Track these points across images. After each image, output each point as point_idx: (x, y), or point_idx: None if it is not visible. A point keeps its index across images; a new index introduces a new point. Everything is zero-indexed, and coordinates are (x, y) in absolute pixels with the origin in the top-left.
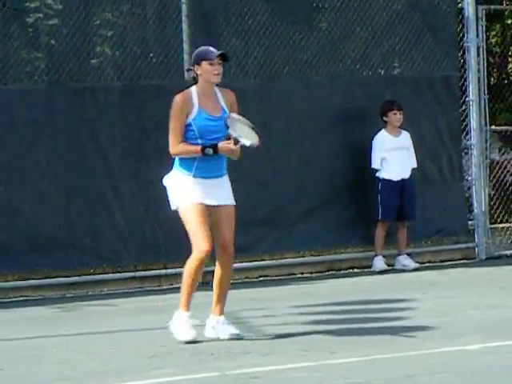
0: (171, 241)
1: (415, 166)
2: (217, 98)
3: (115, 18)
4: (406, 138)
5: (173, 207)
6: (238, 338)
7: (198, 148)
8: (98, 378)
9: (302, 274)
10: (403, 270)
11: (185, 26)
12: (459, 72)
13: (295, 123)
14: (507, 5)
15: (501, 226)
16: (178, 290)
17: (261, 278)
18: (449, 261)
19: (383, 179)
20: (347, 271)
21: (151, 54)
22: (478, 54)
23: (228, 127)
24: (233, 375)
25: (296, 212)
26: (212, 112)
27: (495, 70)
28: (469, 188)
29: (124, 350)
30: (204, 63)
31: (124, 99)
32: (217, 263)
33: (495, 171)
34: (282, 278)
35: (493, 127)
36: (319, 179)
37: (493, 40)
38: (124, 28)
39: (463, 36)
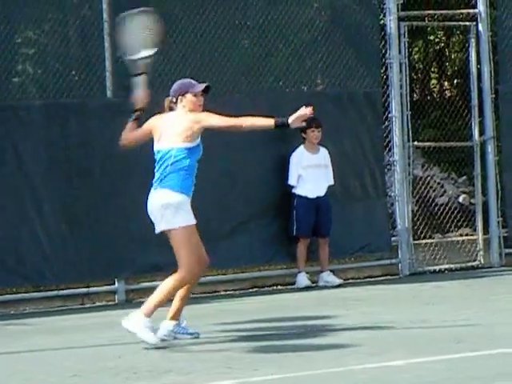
0: (94, 259)
1: (332, 183)
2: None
3: (37, 36)
4: (324, 154)
5: (160, 229)
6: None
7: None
8: None
9: (226, 291)
10: (326, 287)
11: (107, 45)
12: (382, 88)
13: (218, 140)
14: (429, 21)
15: (424, 241)
16: (100, 308)
17: None
18: (372, 277)
19: (299, 196)
20: (271, 288)
21: (73, 72)
22: (401, 71)
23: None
24: None
25: (219, 229)
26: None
27: (418, 86)
28: (392, 204)
29: (45, 369)
30: (189, 95)
31: (46, 117)
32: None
33: (418, 187)
34: (205, 295)
35: (416, 143)
36: (242, 196)
37: (415, 56)
38: (46, 46)
39: (386, 52)
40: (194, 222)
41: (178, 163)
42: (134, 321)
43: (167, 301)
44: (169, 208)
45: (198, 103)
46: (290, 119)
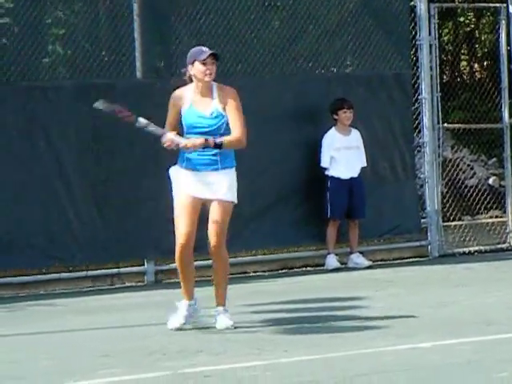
0: (123, 240)
1: (365, 164)
2: (212, 97)
3: (67, 17)
4: (356, 136)
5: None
6: (232, 328)
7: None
8: (48, 378)
9: (255, 272)
10: (356, 268)
11: (136, 25)
12: (412, 70)
13: (248, 122)
14: (459, 2)
15: (453, 223)
16: (129, 288)
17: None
18: (402, 259)
19: (332, 177)
20: (300, 270)
21: (103, 53)
22: (431, 52)
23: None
24: (185, 374)
25: (248, 211)
26: (203, 109)
27: (448, 68)
28: (421, 186)
29: (75, 349)
30: (197, 63)
31: (76, 97)
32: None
33: (448, 169)
34: (235, 276)
35: (445, 125)
36: (272, 178)
37: (445, 38)
38: (75, 26)
39: (416, 34)
40: (184, 191)
41: None
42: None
43: (185, 273)
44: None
45: (206, 72)
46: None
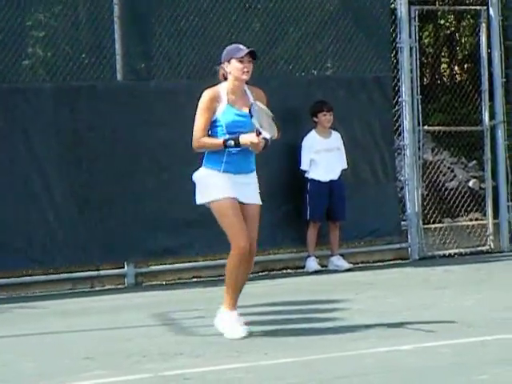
0: (103, 243)
1: (345, 167)
2: (246, 96)
3: (47, 19)
4: (336, 138)
5: (199, 201)
6: (249, 332)
7: (220, 141)
8: (31, 380)
9: None
10: (336, 271)
11: (116, 27)
12: (392, 72)
13: None
14: (440, 5)
15: (434, 226)
16: (110, 291)
17: (194, 279)
18: (382, 261)
19: (312, 180)
20: (280, 272)
21: (83, 55)
22: (411, 55)
23: (251, 116)
24: (165, 377)
25: None
26: (241, 108)
27: (428, 71)
28: (402, 188)
29: (56, 351)
30: (233, 61)
31: (56, 100)
32: None
33: (428, 172)
34: (215, 278)
35: (426, 127)
36: None
37: (426, 40)
38: (56, 29)
39: (396, 36)
40: (230, 194)
41: None
42: (220, 320)
43: (237, 282)
44: (198, 183)
45: (243, 69)
46: (242, 136)
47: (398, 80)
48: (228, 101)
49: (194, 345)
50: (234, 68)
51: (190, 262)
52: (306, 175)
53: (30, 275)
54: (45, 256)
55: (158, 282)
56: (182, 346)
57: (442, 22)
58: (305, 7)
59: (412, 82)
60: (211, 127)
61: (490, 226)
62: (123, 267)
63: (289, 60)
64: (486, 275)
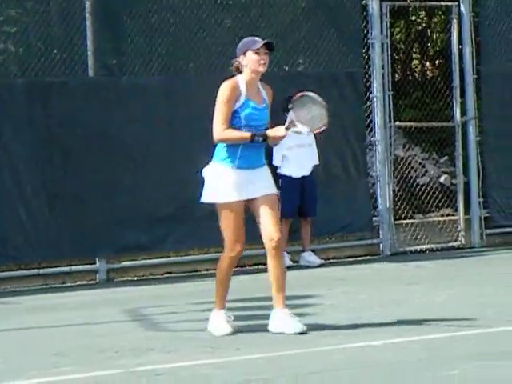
0: (75, 238)
1: (317, 162)
2: (259, 89)
3: (19, 15)
4: (308, 134)
5: (204, 199)
6: (303, 332)
7: (248, 134)
8: (1, 376)
9: (208, 270)
10: (308, 267)
11: (88, 23)
12: (363, 68)
13: (199, 120)
14: (411, 1)
15: (405, 222)
16: (81, 286)
17: (166, 275)
18: (353, 257)
19: (284, 176)
20: (252, 268)
21: (55, 51)
22: (383, 51)
23: (291, 108)
24: (137, 372)
25: (201, 209)
26: (257, 101)
27: (399, 67)
28: (373, 184)
29: (27, 347)
30: (249, 53)
31: (28, 96)
32: (268, 255)
33: (399, 167)
34: (186, 274)
35: (397, 123)
36: None
37: (397, 36)
38: (28, 24)
39: (367, 32)
40: (235, 198)
41: None
42: (210, 321)
43: (226, 282)
44: (207, 179)
45: (260, 61)
46: (269, 131)
47: (370, 76)
48: (246, 93)
49: (166, 340)
50: (251, 60)
51: (161, 257)
52: (278, 171)
53: (1, 271)
54: (16, 252)
55: (130, 278)
56: (154, 341)
57: (414, 18)
58: (277, 3)
59: (383, 77)
60: (230, 117)
61: (462, 222)
62: (95, 263)
63: None
64: (457, 271)
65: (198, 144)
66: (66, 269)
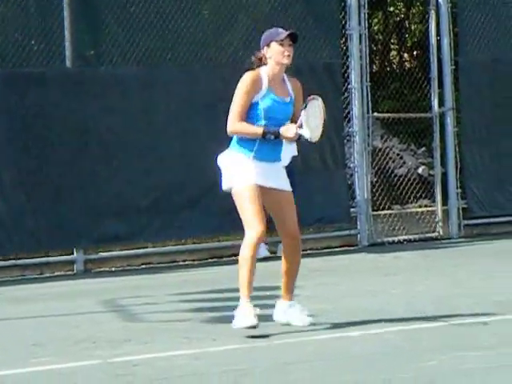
0: (53, 229)
1: (295, 153)
2: (285, 83)
3: None
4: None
5: (224, 187)
6: (311, 324)
7: (260, 130)
8: None
9: (185, 261)
10: None
11: (66, 14)
12: (342, 59)
13: (178, 111)
14: None
15: (383, 213)
16: (59, 277)
17: (143, 266)
18: (331, 248)
19: None
20: (229, 259)
21: (33, 42)
22: (361, 42)
23: (305, 107)
24: (114, 363)
25: (179, 200)
26: (280, 95)
27: (377, 58)
28: (351, 175)
29: (5, 338)
30: (274, 44)
31: (5, 86)
32: (283, 252)
33: (377, 158)
34: (164, 265)
35: (375, 114)
36: (202, 168)
37: (375, 27)
38: (5, 16)
39: (346, 23)
40: (253, 182)
41: None
42: (237, 310)
43: (252, 270)
44: (224, 166)
45: (285, 53)
46: (282, 129)
47: (348, 67)
48: (269, 85)
49: (143, 331)
50: (275, 52)
51: (139, 248)
52: None
53: None
54: None
55: (107, 269)
56: (131, 332)
57: (392, 9)
58: None
59: (361, 68)
60: (249, 109)
61: (439, 213)
62: (72, 254)
63: (238, 47)
64: (434, 262)
65: (175, 135)
66: (44, 260)
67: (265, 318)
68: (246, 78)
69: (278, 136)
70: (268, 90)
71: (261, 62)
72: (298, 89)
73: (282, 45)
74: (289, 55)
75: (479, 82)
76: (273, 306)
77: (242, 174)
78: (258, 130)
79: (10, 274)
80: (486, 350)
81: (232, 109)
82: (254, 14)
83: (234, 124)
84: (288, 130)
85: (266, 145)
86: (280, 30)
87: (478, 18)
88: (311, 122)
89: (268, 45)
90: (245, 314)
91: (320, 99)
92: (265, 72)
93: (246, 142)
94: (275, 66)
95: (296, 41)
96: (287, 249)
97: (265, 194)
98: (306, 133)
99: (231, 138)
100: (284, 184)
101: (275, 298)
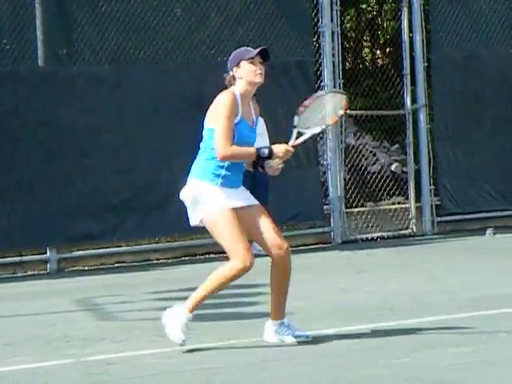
0: (26, 228)
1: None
2: (250, 107)
3: None
4: (259, 124)
5: (195, 222)
6: (308, 339)
7: (253, 150)
8: None
9: (158, 260)
10: (259, 255)
11: (38, 13)
12: (314, 57)
13: (150, 109)
14: None
15: (356, 210)
16: (32, 277)
17: (117, 264)
18: (305, 245)
19: None
20: (203, 257)
21: (4, 40)
22: (333, 39)
23: (295, 126)
24: (87, 362)
25: (152, 199)
26: (249, 121)
27: (350, 55)
28: (324, 172)
29: None
30: (244, 63)
31: None
32: (273, 268)
33: (350, 156)
34: (138, 264)
35: (348, 112)
36: (175, 166)
37: (347, 25)
38: None
39: (318, 21)
40: (228, 206)
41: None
42: (172, 314)
43: (214, 292)
44: (189, 200)
45: (257, 71)
46: (275, 146)
47: (320, 64)
48: (241, 112)
49: (117, 330)
50: (246, 71)
51: (112, 247)
52: None
53: None
54: None
55: (81, 268)
56: (105, 331)
57: (364, 6)
58: None
59: (334, 66)
60: None
61: (413, 210)
62: (45, 253)
63: (211, 45)
64: (408, 258)
65: (148, 133)
66: (17, 259)
67: (241, 316)
68: (226, 102)
69: (271, 153)
70: (241, 115)
71: (230, 85)
72: (258, 110)
73: (252, 63)
74: (261, 73)
75: (452, 79)
76: (242, 304)
77: (213, 201)
78: (250, 150)
79: None
80: (462, 346)
81: (219, 134)
82: (227, 12)
83: (226, 148)
84: (283, 148)
85: (233, 171)
86: (249, 48)
87: (451, 14)
88: (313, 119)
89: (237, 65)
90: (180, 329)
91: (322, 94)
92: (237, 92)
93: (212, 170)
94: (247, 86)
95: (267, 58)
96: (277, 263)
97: (239, 216)
98: (316, 129)
99: (193, 161)
100: (251, 199)
101: (245, 297)
